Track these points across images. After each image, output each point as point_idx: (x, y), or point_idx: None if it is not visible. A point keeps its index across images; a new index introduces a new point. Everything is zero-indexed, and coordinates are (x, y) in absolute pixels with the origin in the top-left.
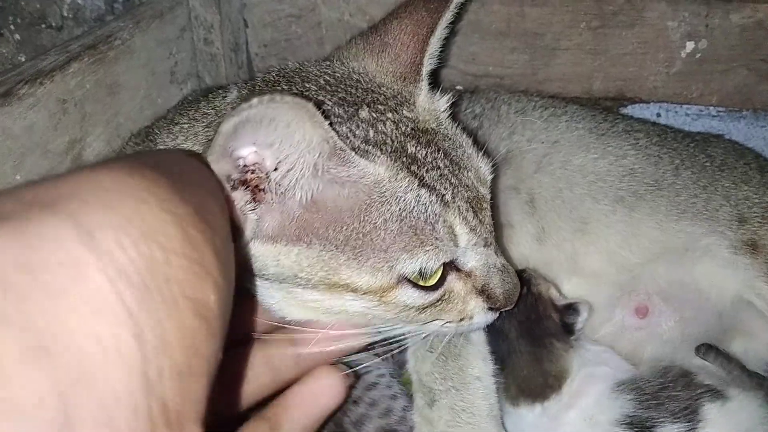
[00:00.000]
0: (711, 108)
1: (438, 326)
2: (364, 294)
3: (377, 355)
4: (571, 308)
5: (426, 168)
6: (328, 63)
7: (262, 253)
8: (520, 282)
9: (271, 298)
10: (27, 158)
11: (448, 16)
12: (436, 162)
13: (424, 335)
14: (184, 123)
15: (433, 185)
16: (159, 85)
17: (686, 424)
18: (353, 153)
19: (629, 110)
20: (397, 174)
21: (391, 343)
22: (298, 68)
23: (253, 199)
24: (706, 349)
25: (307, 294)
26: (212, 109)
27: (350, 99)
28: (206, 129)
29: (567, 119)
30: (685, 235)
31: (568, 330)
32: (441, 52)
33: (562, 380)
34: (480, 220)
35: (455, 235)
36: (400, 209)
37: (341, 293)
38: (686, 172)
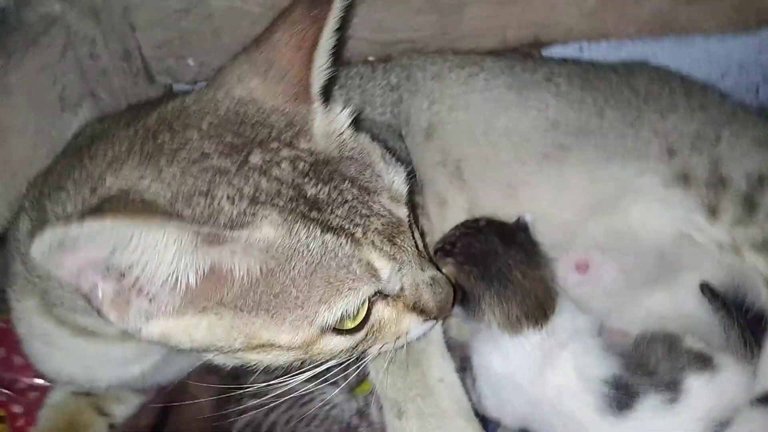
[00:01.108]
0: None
1: (377, 351)
2: (289, 349)
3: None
4: (518, 221)
5: (330, 208)
6: (212, 95)
7: (171, 330)
8: (476, 220)
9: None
10: None
11: (331, 25)
12: (343, 195)
13: (363, 360)
14: (70, 188)
15: (341, 226)
16: (49, 116)
17: (669, 395)
18: (228, 231)
19: (551, 52)
20: (291, 228)
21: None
22: (178, 109)
23: (132, 290)
24: (712, 293)
25: (233, 354)
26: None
27: (238, 142)
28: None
29: (485, 77)
30: (616, 180)
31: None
32: (336, 54)
33: (556, 297)
34: (399, 246)
35: (375, 269)
36: (306, 263)
37: (267, 351)
38: (611, 112)
